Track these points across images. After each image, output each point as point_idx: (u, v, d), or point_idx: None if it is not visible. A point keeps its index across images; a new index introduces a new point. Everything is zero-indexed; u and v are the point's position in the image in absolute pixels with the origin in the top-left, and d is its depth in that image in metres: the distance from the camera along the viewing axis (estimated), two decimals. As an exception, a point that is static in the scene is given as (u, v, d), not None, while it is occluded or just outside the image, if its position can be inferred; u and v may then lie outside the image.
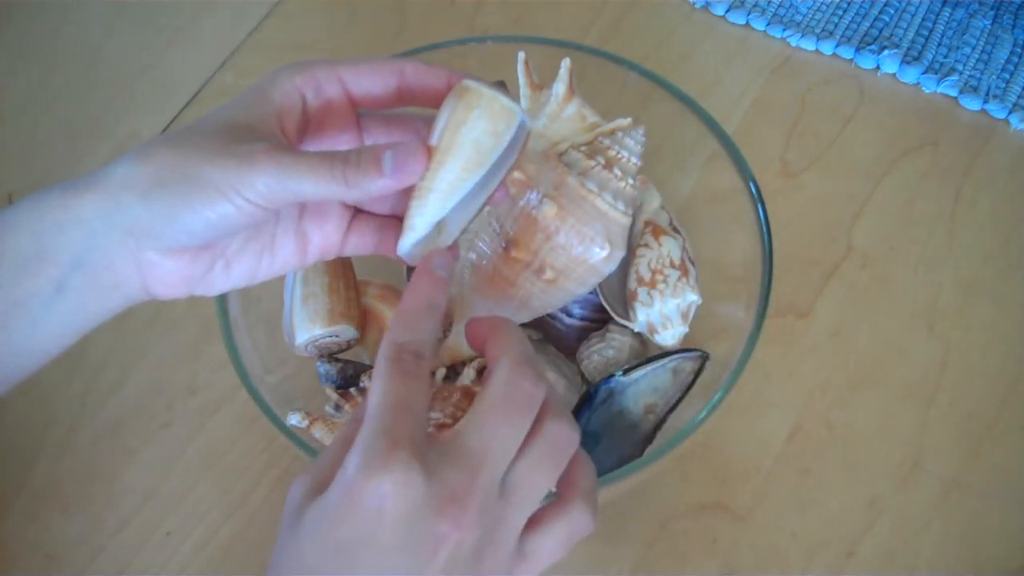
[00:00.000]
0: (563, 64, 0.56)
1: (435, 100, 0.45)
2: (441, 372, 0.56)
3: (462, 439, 0.38)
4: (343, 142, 0.48)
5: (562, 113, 0.56)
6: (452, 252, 0.45)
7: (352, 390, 0.56)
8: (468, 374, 0.54)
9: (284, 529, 0.38)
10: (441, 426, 0.52)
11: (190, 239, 0.42)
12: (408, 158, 0.42)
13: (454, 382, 0.55)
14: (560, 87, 0.56)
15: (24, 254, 0.43)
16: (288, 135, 0.44)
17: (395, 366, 0.38)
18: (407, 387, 0.38)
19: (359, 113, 0.48)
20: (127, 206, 0.42)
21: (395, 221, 0.48)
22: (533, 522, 0.39)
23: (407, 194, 0.45)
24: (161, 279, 0.44)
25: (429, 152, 0.43)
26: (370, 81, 0.46)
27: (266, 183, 0.41)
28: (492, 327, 0.42)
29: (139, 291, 0.44)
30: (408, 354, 0.39)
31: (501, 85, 0.45)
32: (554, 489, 0.40)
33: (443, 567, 0.36)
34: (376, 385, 0.38)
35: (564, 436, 0.39)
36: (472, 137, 0.43)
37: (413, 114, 0.48)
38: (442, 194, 0.43)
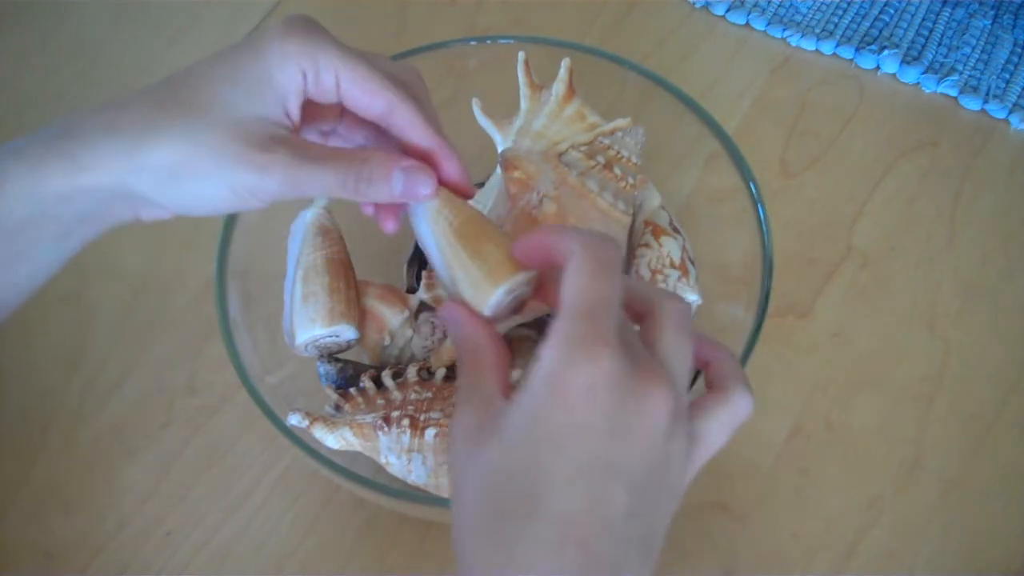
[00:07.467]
0: (563, 64, 0.56)
1: (410, 151, 0.46)
2: (441, 372, 0.56)
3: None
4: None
5: (562, 113, 0.56)
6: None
7: (352, 390, 0.56)
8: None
9: (462, 455, 0.38)
10: (441, 425, 0.52)
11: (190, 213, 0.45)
12: (419, 180, 0.44)
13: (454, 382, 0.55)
14: (560, 87, 0.56)
15: (19, 217, 0.44)
16: (292, 118, 0.45)
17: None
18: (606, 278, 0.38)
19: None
20: (137, 188, 0.43)
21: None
22: (696, 408, 0.40)
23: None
24: (154, 214, 0.46)
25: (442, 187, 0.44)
26: (359, 93, 0.46)
27: (279, 190, 0.43)
28: (543, 236, 0.41)
29: (131, 220, 0.47)
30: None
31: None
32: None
33: (648, 438, 0.37)
34: (576, 275, 0.38)
35: (684, 307, 0.40)
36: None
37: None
38: None
